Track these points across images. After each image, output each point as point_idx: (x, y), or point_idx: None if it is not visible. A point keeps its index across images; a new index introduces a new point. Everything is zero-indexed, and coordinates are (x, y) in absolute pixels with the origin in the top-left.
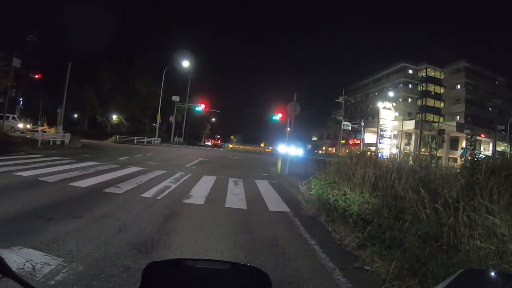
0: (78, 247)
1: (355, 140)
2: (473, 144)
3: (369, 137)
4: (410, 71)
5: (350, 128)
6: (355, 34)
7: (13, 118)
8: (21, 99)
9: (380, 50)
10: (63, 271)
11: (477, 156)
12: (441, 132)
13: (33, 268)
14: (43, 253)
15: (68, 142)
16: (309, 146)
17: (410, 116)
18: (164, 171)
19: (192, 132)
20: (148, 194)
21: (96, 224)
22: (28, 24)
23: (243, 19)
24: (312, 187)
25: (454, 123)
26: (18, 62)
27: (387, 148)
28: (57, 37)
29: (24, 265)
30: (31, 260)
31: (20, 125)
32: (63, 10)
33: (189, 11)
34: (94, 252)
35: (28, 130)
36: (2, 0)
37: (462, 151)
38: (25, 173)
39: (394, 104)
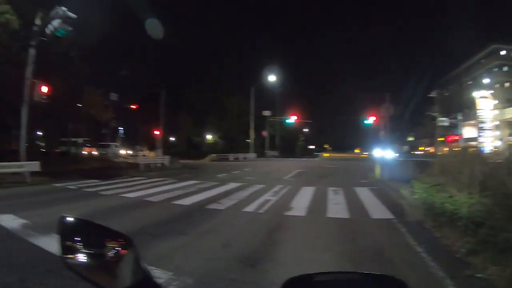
0: (185, 262)
1: (453, 136)
2: None
3: (468, 132)
4: (503, 52)
5: (446, 124)
6: (438, 21)
7: (116, 145)
8: (121, 128)
9: (467, 34)
10: (173, 284)
11: None
12: None
13: None
14: (153, 268)
15: (168, 164)
16: (406, 147)
17: (511, 103)
18: (263, 185)
19: (286, 145)
20: (250, 208)
21: (201, 240)
22: (121, 61)
23: (328, 26)
24: (415, 191)
25: None
26: (115, 96)
27: (489, 141)
28: (149, 68)
29: None
30: None
31: (123, 152)
32: (152, 41)
33: (274, 25)
34: (201, 266)
35: (129, 155)
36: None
37: None
38: (131, 195)
39: (491, 91)
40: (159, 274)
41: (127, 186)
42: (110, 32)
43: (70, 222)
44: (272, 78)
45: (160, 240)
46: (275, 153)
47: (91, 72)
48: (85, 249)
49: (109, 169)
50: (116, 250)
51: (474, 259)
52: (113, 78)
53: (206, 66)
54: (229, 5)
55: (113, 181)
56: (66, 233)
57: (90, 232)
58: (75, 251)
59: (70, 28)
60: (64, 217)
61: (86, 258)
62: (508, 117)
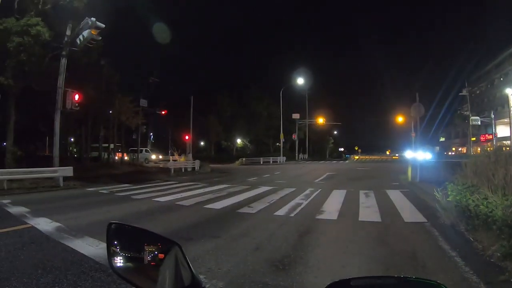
0: (217, 265)
1: (486, 135)
2: None
3: (502, 130)
4: None
5: (479, 122)
6: (466, 16)
7: (146, 151)
8: (151, 133)
9: (495, 28)
10: (205, 287)
11: None
12: None
13: None
14: None
15: (198, 168)
16: (437, 148)
17: None
18: (293, 189)
19: (316, 147)
20: (281, 212)
21: (233, 243)
22: (151, 68)
23: (358, 27)
24: (449, 193)
25: None
26: (145, 102)
27: None
28: (179, 74)
29: None
30: None
31: (153, 157)
32: (182, 48)
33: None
34: (233, 270)
35: (160, 160)
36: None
37: None
38: (162, 199)
39: None
40: None
41: (159, 190)
42: (140, 40)
43: (117, 227)
44: (300, 81)
45: (191, 243)
46: (305, 156)
47: (121, 79)
48: (131, 253)
49: (140, 174)
50: (161, 254)
51: (510, 264)
52: (143, 84)
53: (236, 70)
54: (262, 8)
55: (144, 185)
56: (113, 237)
57: (136, 237)
58: (122, 255)
59: (99, 38)
60: (112, 223)
61: (132, 262)
62: None
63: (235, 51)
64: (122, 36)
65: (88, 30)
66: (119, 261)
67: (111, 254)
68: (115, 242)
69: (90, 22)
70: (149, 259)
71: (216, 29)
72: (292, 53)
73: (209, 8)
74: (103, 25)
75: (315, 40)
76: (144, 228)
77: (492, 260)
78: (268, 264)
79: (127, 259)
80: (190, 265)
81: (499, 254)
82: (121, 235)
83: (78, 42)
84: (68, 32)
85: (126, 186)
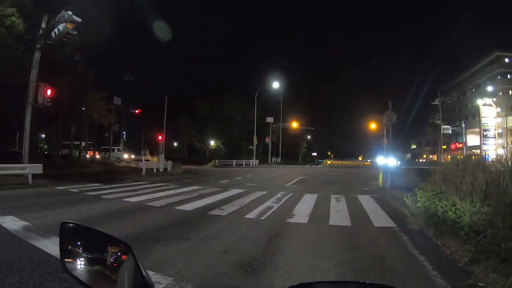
0: (186, 267)
1: (456, 144)
2: None
3: (472, 139)
4: (507, 60)
5: (450, 131)
6: (443, 28)
7: (118, 150)
8: (124, 132)
9: (470, 41)
10: None
11: None
12: None
13: None
14: (154, 272)
15: (170, 169)
16: (409, 155)
17: None
18: (265, 192)
19: (289, 151)
20: (252, 215)
21: (202, 245)
22: (126, 66)
23: (335, 32)
24: (418, 199)
25: None
26: (119, 100)
27: (493, 149)
28: (153, 73)
29: None
30: None
31: (125, 156)
32: (157, 48)
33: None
34: (202, 272)
35: (132, 159)
36: (105, 45)
37: None
38: (133, 199)
39: (494, 99)
40: (159, 279)
41: (129, 191)
42: (115, 37)
43: (70, 227)
44: (276, 85)
45: (161, 245)
46: (278, 159)
47: (95, 76)
48: (84, 254)
49: (111, 173)
50: (115, 256)
51: (476, 268)
52: (117, 82)
53: (210, 72)
54: (238, 12)
55: (115, 185)
56: (67, 238)
57: (90, 238)
58: (75, 256)
59: (75, 32)
60: (65, 223)
61: (85, 263)
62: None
63: (212, 53)
64: (100, 32)
65: (64, 24)
66: (73, 262)
67: (64, 255)
68: (69, 243)
69: (66, 16)
70: (107, 261)
71: (194, 29)
72: (269, 58)
73: (188, 7)
74: (79, 20)
75: (292, 46)
76: (108, 228)
77: (459, 265)
78: (237, 267)
79: (82, 261)
80: (141, 266)
81: (466, 259)
82: (75, 235)
83: (53, 35)
84: (43, 25)
85: (96, 185)
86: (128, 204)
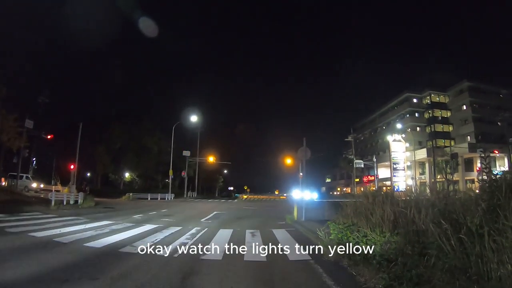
0: None
1: (369, 177)
2: (488, 164)
3: (383, 172)
4: (415, 100)
5: (362, 165)
6: (355, 71)
7: (27, 177)
8: (34, 159)
9: (383, 83)
10: None
11: (494, 176)
12: (454, 156)
13: None
14: None
15: (81, 201)
16: (324, 188)
17: (421, 145)
18: (179, 227)
19: (205, 186)
20: (165, 252)
21: (112, 286)
22: (41, 86)
23: (245, 66)
24: (331, 231)
25: (466, 145)
26: (31, 123)
27: (402, 181)
28: (68, 98)
29: None
30: None
31: (34, 185)
32: (74, 71)
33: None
34: None
35: (41, 189)
36: (16, 62)
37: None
38: (39, 234)
39: (403, 135)
40: None
41: (36, 224)
42: (32, 56)
43: None
44: (193, 118)
45: (67, 285)
46: (194, 194)
47: (8, 94)
48: None
49: (17, 203)
50: None
51: None
52: (31, 103)
53: (129, 100)
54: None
55: (21, 217)
56: None
57: None
58: None
59: None
60: None
61: None
62: (419, 157)
63: (131, 80)
64: (17, 49)
65: None
66: None
67: None
68: None
69: None
70: None
71: (111, 53)
72: (188, 91)
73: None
74: None
75: (208, 79)
76: (10, 266)
77: None
78: None
79: None
80: None
81: (380, 286)
82: None
83: None
84: None
85: (0, 216)
86: (34, 239)
